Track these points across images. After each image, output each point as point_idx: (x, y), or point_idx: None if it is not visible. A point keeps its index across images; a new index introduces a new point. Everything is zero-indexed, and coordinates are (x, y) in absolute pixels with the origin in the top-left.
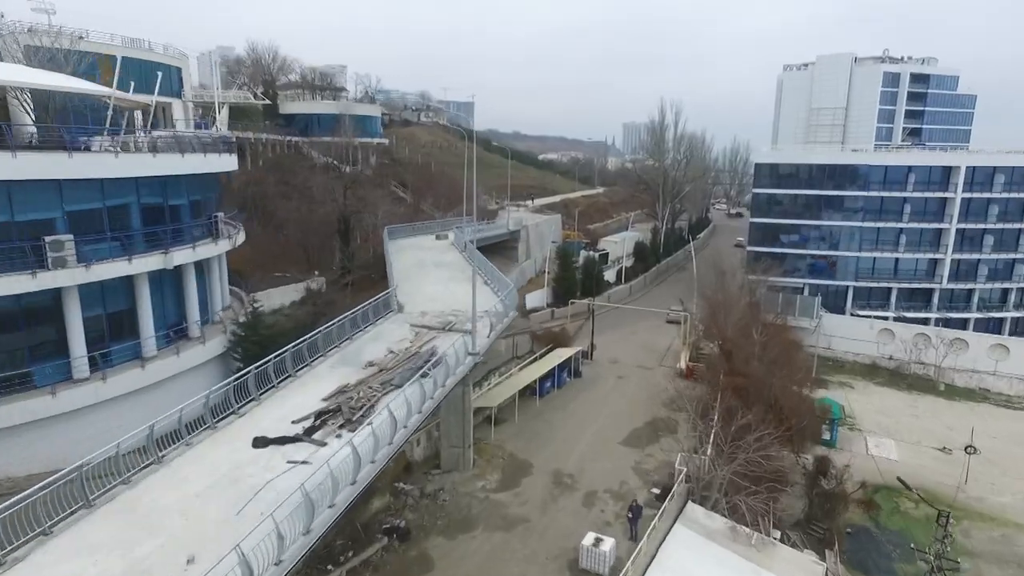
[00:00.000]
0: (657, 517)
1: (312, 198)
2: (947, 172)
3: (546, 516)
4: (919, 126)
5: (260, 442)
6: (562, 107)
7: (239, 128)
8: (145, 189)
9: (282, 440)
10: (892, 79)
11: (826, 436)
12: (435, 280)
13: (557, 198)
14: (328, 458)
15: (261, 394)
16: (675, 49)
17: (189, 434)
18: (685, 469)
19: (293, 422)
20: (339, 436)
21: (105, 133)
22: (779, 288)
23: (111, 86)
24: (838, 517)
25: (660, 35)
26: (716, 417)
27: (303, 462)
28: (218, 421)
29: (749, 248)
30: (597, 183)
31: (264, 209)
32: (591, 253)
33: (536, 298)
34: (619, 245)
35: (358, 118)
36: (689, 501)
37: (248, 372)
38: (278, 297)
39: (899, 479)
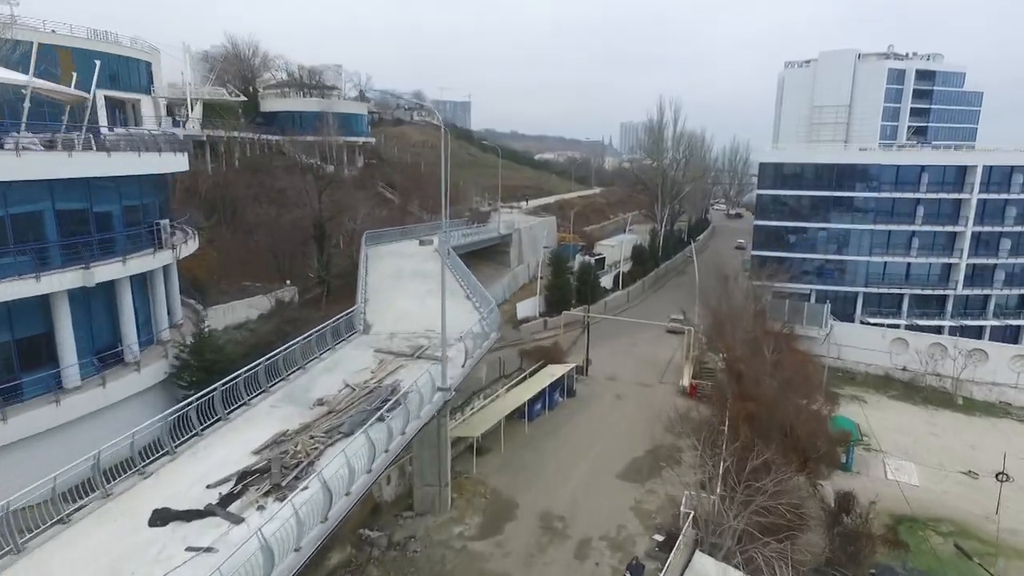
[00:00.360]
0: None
1: (285, 201)
2: (962, 172)
3: (532, 572)
4: (925, 124)
5: (160, 517)
6: (561, 107)
7: (213, 126)
8: (63, 194)
9: (188, 515)
10: (897, 76)
11: (843, 459)
12: (411, 294)
13: (552, 199)
14: (240, 545)
15: (177, 446)
16: (674, 49)
17: (75, 502)
18: (692, 512)
19: (208, 486)
20: (262, 508)
21: (23, 129)
22: (785, 294)
23: (71, 82)
24: (864, 561)
25: (660, 35)
26: (725, 446)
27: (207, 549)
28: (114, 485)
29: (753, 252)
30: (594, 183)
31: (235, 213)
32: (587, 258)
33: (528, 307)
34: (616, 249)
35: (343, 116)
36: (697, 551)
37: (163, 417)
38: (243, 310)
39: (956, 545)
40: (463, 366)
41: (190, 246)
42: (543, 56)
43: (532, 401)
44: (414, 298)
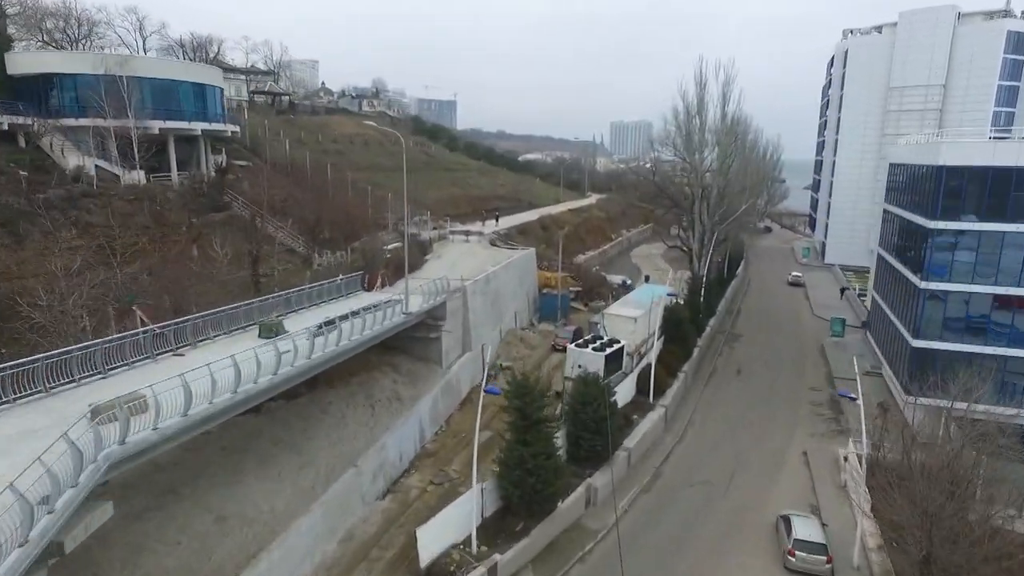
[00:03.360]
0: None
1: None
2: None
3: None
4: None
5: None
6: (551, 107)
7: None
8: None
9: None
10: (1018, 42)
11: None
12: None
13: (534, 214)
14: None
15: None
16: (673, 47)
17: None
18: None
19: None
20: None
21: None
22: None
23: None
24: None
25: (658, 34)
26: None
27: None
28: None
29: (916, 344)
30: (587, 189)
31: None
32: (589, 375)
33: (452, 524)
34: (640, 322)
35: (163, 87)
36: None
37: None
38: None
39: None
40: None
41: None
42: (533, 55)
43: None
44: None
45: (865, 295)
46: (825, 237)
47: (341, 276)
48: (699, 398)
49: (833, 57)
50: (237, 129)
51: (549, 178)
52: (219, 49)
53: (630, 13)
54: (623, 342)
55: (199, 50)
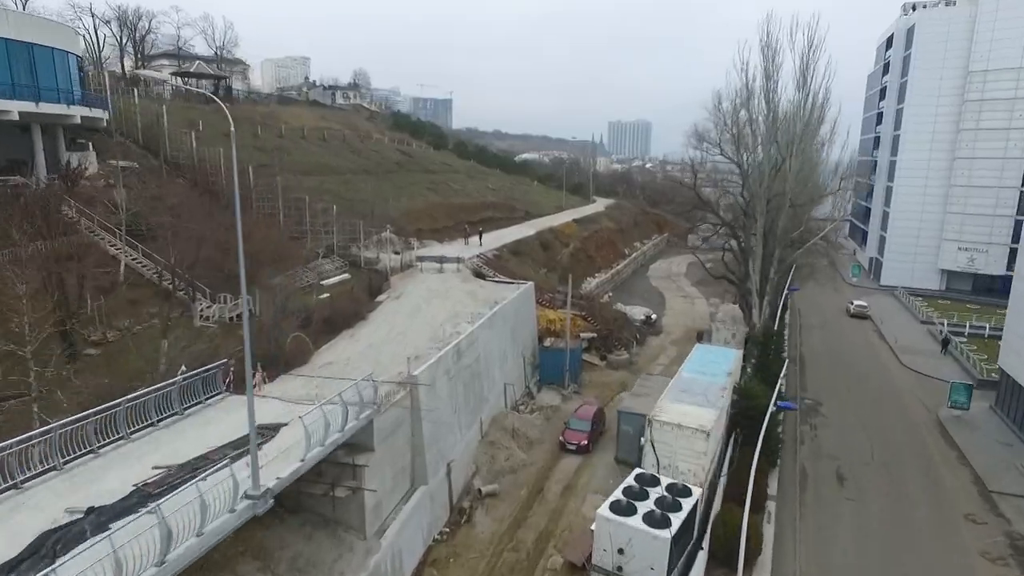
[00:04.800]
0: None
1: None
2: None
3: None
4: None
5: None
6: (548, 107)
7: None
8: None
9: None
10: None
11: None
12: None
13: (531, 228)
14: None
15: None
16: (671, 47)
17: None
18: None
19: None
20: None
21: None
22: None
23: None
24: None
25: (656, 33)
26: None
27: None
28: None
29: None
30: (592, 193)
31: None
32: None
33: None
34: (715, 428)
35: None
36: None
37: None
38: None
39: None
40: None
41: None
42: (532, 52)
43: None
44: None
45: (957, 335)
46: (880, 254)
47: (183, 372)
48: (797, 547)
49: (891, 37)
50: (103, 115)
51: (548, 180)
52: (149, 25)
53: (630, 11)
54: (692, 484)
55: (124, 24)
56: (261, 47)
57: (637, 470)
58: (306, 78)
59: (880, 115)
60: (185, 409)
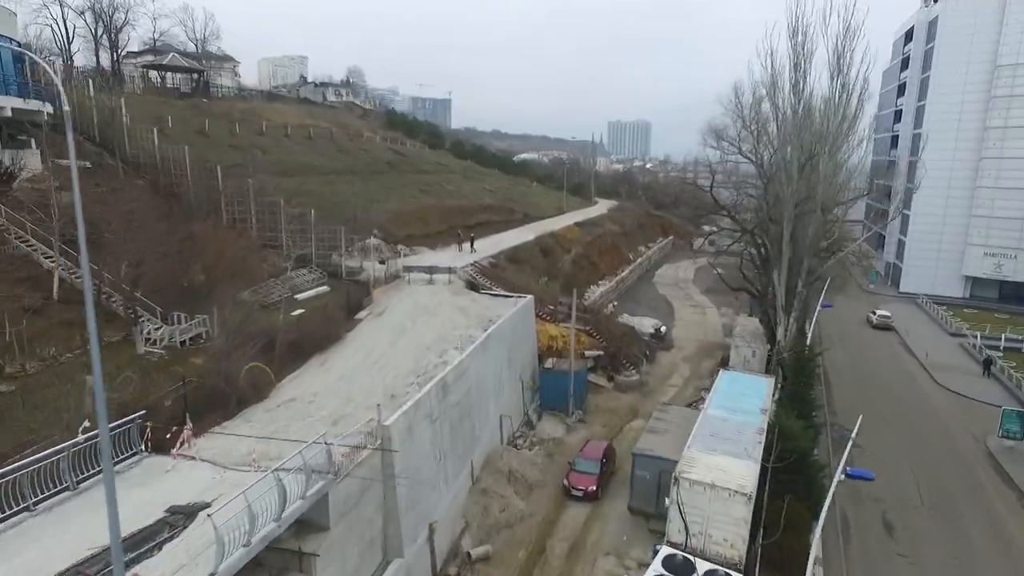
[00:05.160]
0: None
1: None
2: None
3: None
4: None
5: None
6: (548, 107)
7: None
8: None
9: None
10: None
11: None
12: None
13: (530, 232)
14: None
15: None
16: (670, 47)
17: None
18: None
19: None
20: None
21: None
22: None
23: None
24: None
25: (655, 33)
26: None
27: None
28: None
29: None
30: (593, 194)
31: None
32: None
33: None
34: (753, 488)
35: None
36: None
37: None
38: None
39: None
40: None
41: None
42: (532, 52)
43: None
44: None
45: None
46: (900, 259)
47: (85, 428)
48: None
49: (910, 30)
50: (42, 108)
51: (548, 181)
52: (126, 16)
53: (626, 9)
54: (730, 559)
55: (99, 16)
56: (255, 44)
57: (665, 549)
58: (301, 76)
59: (898, 113)
60: (80, 482)
